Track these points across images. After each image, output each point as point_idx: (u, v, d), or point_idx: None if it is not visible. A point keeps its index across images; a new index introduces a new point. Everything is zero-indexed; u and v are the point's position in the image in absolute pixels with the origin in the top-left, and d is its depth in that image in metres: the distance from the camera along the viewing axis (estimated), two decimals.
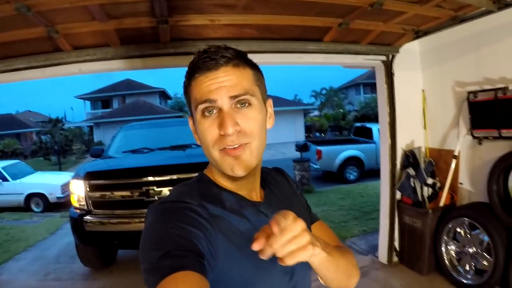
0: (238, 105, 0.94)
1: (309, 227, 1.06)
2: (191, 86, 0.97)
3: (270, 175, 1.22)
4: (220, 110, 0.93)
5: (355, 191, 10.10)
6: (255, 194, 1.07)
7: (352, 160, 13.03)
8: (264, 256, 0.74)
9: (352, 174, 12.97)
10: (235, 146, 0.93)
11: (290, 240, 0.74)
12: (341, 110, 34.92)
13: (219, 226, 0.90)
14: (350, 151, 13.10)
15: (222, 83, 0.93)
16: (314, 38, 3.51)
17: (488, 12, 2.97)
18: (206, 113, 0.94)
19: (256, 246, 0.74)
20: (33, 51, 3.09)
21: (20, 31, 2.68)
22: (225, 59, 0.94)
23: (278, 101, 28.99)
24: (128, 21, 2.70)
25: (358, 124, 16.87)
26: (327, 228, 1.31)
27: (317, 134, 32.92)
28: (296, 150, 12.40)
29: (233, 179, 1.00)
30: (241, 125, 0.93)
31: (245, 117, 0.94)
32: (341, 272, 1.03)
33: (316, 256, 0.83)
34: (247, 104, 0.95)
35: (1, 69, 3.15)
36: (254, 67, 1.02)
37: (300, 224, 0.76)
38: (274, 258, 0.88)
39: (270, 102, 1.07)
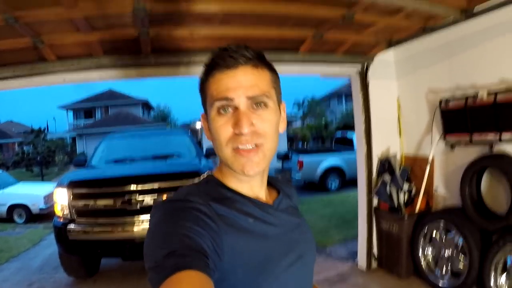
0: (254, 106, 0.94)
1: (314, 245, 1.16)
2: (208, 82, 0.97)
3: (285, 185, 1.22)
4: (236, 109, 0.93)
5: (337, 200, 10.22)
6: (263, 195, 1.07)
7: (333, 170, 13.05)
8: None
9: (333, 183, 12.98)
10: (249, 148, 0.94)
11: None
12: (323, 120, 35.15)
13: (225, 225, 0.90)
14: (331, 160, 13.11)
15: (241, 82, 0.93)
16: (291, 49, 3.61)
17: (457, 22, 3.08)
18: (222, 111, 0.94)
19: None
20: (19, 61, 3.16)
21: (7, 41, 2.75)
22: (245, 59, 0.94)
23: None
24: (110, 33, 2.78)
25: (339, 134, 17.02)
26: None
27: (300, 143, 33.07)
28: (278, 160, 12.43)
29: (242, 178, 1.01)
30: (256, 126, 0.93)
31: (260, 118, 0.94)
32: None
33: None
34: (263, 105, 0.95)
35: None
36: (272, 69, 1.02)
37: None
38: (280, 258, 0.96)
39: (283, 105, 1.08)
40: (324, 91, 41.98)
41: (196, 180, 1.12)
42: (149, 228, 0.87)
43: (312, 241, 1.15)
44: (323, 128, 33.53)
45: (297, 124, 37.67)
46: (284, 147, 29.91)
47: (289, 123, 35.24)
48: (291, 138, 33.30)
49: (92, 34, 2.73)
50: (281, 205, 1.09)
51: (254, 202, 1.01)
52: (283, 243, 1.00)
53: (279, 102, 1.03)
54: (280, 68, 3.14)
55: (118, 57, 3.28)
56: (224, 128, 0.94)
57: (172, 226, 0.82)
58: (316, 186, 13.01)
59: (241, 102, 0.92)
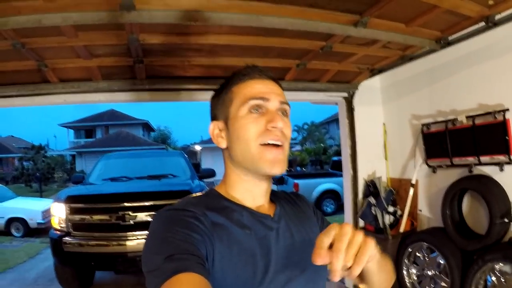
0: (280, 112, 1.04)
1: None
2: (238, 87, 1.05)
3: (285, 195, 1.24)
4: (267, 111, 1.02)
5: (331, 223, 10.22)
6: (263, 208, 1.09)
7: (329, 193, 13.19)
8: (336, 276, 0.68)
9: (329, 207, 13.09)
10: (279, 144, 1.00)
11: (349, 245, 0.71)
12: (322, 145, 35.03)
13: (219, 234, 0.92)
14: (327, 184, 13.28)
15: (272, 89, 1.05)
16: (276, 77, 3.75)
17: (433, 51, 3.18)
18: (254, 110, 1.01)
19: (319, 260, 0.69)
20: (23, 81, 3.35)
21: (13, 63, 2.95)
22: (271, 76, 1.09)
23: None
24: (108, 60, 3.00)
25: (335, 158, 17.11)
26: None
27: (298, 168, 33.03)
28: (273, 183, 12.51)
29: (250, 187, 1.06)
30: (283, 128, 1.02)
31: (285, 123, 1.02)
32: (386, 274, 1.05)
33: (374, 258, 0.81)
34: (286, 113, 1.06)
35: None
36: None
37: (348, 226, 0.73)
38: (277, 273, 0.95)
39: None
40: (323, 116, 41.91)
41: None
42: (148, 234, 0.91)
43: None
44: (322, 152, 33.56)
45: (296, 148, 37.72)
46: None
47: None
48: (290, 162, 33.28)
49: (92, 60, 2.94)
50: (282, 217, 1.09)
51: (253, 213, 1.03)
52: (282, 257, 0.99)
53: None
54: None
55: (115, 82, 3.49)
56: (255, 124, 1.00)
57: (169, 233, 0.84)
58: None
59: (275, 104, 1.03)
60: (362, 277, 0.91)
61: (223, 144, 1.08)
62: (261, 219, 1.03)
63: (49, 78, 3.32)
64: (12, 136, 49.66)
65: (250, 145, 1.00)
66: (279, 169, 1.00)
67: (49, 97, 3.57)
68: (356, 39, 2.82)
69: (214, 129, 1.11)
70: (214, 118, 1.12)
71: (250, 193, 1.07)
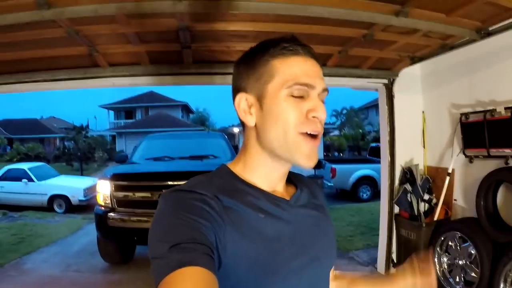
0: (321, 99, 0.94)
1: (334, 249, 1.10)
2: (282, 63, 0.92)
3: (306, 180, 1.17)
4: (308, 96, 0.91)
5: (366, 209, 10.21)
6: (280, 188, 1.03)
7: (366, 179, 13.02)
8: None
9: (365, 193, 12.94)
10: (316, 135, 0.92)
11: None
12: (360, 130, 34.52)
13: (231, 219, 0.86)
14: (364, 170, 13.10)
15: (318, 73, 0.93)
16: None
17: (474, 41, 3.18)
18: (296, 94, 0.90)
19: None
20: (74, 65, 3.58)
21: (65, 49, 3.16)
22: (313, 53, 0.95)
23: None
24: (157, 45, 3.17)
25: (374, 144, 16.89)
26: None
27: (336, 153, 32.75)
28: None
29: (270, 171, 0.99)
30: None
31: (324, 111, 0.93)
32: None
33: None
34: (323, 100, 0.95)
35: (45, 78, 3.66)
36: None
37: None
38: (291, 259, 0.91)
39: None
40: (362, 101, 41.15)
41: None
42: (154, 217, 0.85)
43: (333, 244, 1.09)
44: (360, 138, 33.18)
45: (334, 133, 37.43)
46: (320, 154, 29.80)
47: (326, 131, 35.06)
48: (328, 147, 33.07)
49: (141, 46, 3.12)
50: (299, 202, 1.03)
51: (268, 196, 0.96)
52: (297, 243, 0.94)
53: None
54: None
55: (162, 66, 3.66)
56: (296, 110, 0.90)
57: (176, 218, 0.80)
58: (348, 194, 13.01)
59: (318, 92, 0.92)
60: None
61: (251, 121, 0.96)
62: (277, 202, 0.96)
63: (99, 63, 3.53)
64: (54, 117, 51.36)
65: (288, 133, 0.90)
66: (314, 163, 0.93)
67: (98, 80, 3.78)
68: (398, 28, 2.87)
69: (241, 102, 0.97)
70: (241, 89, 0.98)
71: (269, 176, 0.99)
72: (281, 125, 0.91)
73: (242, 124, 1.00)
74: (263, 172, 0.98)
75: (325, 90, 0.93)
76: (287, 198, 1.01)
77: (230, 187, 0.93)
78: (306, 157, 0.91)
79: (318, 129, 0.91)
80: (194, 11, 2.25)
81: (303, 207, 1.03)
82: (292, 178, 1.10)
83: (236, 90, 0.99)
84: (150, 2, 2.19)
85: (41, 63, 3.44)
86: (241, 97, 0.97)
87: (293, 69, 0.90)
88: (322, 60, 3.70)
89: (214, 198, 0.87)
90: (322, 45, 3.37)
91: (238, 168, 1.00)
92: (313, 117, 0.90)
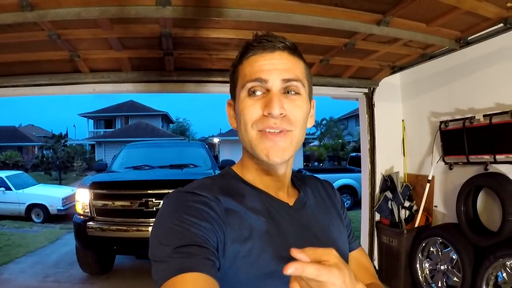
0: (287, 91, 0.91)
1: (346, 254, 1.05)
2: (242, 65, 0.94)
3: (315, 182, 1.16)
4: (267, 91, 0.90)
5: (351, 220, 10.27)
6: (282, 194, 1.01)
7: (346, 188, 13.08)
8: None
9: (345, 202, 12.84)
10: (277, 131, 0.89)
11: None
12: (340, 141, 34.69)
13: (232, 221, 0.86)
14: (344, 179, 13.19)
15: (276, 65, 0.90)
16: None
17: (453, 50, 3.23)
18: (252, 93, 0.91)
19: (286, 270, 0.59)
20: (55, 70, 3.51)
21: (47, 53, 3.10)
22: (283, 44, 0.93)
23: None
24: (139, 52, 3.14)
25: (353, 154, 17.06)
26: (365, 257, 1.21)
27: (316, 163, 32.87)
28: None
29: (263, 171, 0.98)
30: (287, 111, 0.89)
31: (292, 103, 0.90)
32: None
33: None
34: (295, 92, 0.92)
35: (25, 83, 3.58)
36: (306, 62, 1.00)
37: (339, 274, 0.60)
38: (287, 261, 0.79)
39: (314, 102, 1.04)
40: (342, 112, 41.52)
41: None
42: (156, 219, 0.85)
43: (342, 243, 1.06)
44: (340, 148, 33.35)
45: (314, 143, 37.59)
46: (299, 164, 29.86)
47: (306, 141, 35.18)
48: (308, 157, 33.19)
49: (123, 52, 3.08)
50: (304, 206, 1.02)
51: (270, 199, 0.96)
52: (298, 247, 0.75)
53: (310, 96, 1.00)
54: None
55: (144, 73, 3.63)
56: (252, 108, 0.90)
57: (177, 221, 0.79)
58: None
59: (275, 84, 0.89)
60: None
61: (233, 124, 1.01)
62: (279, 207, 0.96)
63: (80, 68, 3.47)
64: (32, 125, 50.30)
65: (248, 132, 0.91)
66: (279, 158, 0.90)
67: (79, 87, 3.73)
68: (379, 37, 2.91)
69: (228, 109, 1.04)
70: (231, 96, 1.04)
71: (266, 177, 0.99)
72: (242, 125, 0.93)
73: None
74: (257, 171, 0.99)
75: (290, 80, 0.91)
76: (291, 203, 1.00)
77: (233, 189, 0.95)
78: (265, 155, 0.90)
79: (277, 125, 0.89)
80: (178, 16, 2.24)
81: (309, 210, 1.03)
82: (296, 181, 1.10)
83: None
84: (134, 6, 2.17)
85: (22, 67, 3.37)
86: (228, 103, 1.04)
87: (248, 68, 0.92)
88: None
89: (216, 199, 0.87)
90: (305, 54, 3.31)
91: (241, 170, 1.02)
92: (268, 113, 0.88)
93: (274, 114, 0.87)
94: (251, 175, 1.00)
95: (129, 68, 3.51)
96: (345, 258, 1.04)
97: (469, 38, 3.03)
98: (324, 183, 1.20)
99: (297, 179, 1.11)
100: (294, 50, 0.96)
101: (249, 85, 0.91)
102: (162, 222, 0.83)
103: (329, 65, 3.63)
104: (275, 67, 0.90)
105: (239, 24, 2.59)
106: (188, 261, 0.71)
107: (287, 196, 1.02)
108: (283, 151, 0.90)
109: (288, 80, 0.90)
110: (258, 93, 0.91)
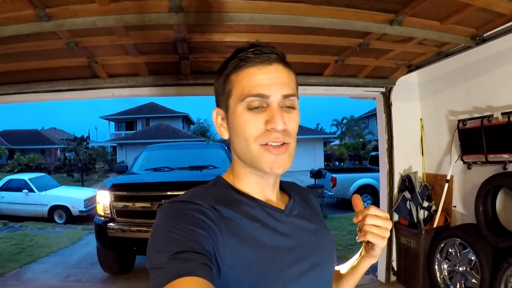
0: (285, 106, 0.92)
1: (333, 254, 1.10)
2: (237, 76, 0.93)
3: (298, 188, 1.19)
4: (267, 106, 0.91)
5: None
6: (274, 199, 1.03)
7: (367, 188, 12.96)
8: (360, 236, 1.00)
9: (366, 202, 12.62)
10: (279, 144, 0.91)
11: (380, 226, 0.98)
12: (361, 140, 34.59)
13: (228, 229, 0.86)
14: (364, 179, 13.06)
15: (273, 79, 0.91)
16: (315, 73, 3.92)
17: (469, 47, 3.20)
18: (252, 106, 0.91)
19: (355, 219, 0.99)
20: (74, 76, 3.62)
21: (65, 60, 3.20)
22: (277, 56, 0.93)
23: (299, 130, 28.85)
24: (155, 57, 3.21)
25: (374, 153, 16.86)
26: None
27: (337, 163, 32.65)
28: (311, 177, 12.50)
29: (256, 179, 0.99)
30: (287, 125, 0.91)
31: (289, 117, 0.93)
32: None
33: (375, 258, 1.08)
34: (291, 107, 0.94)
35: (46, 89, 3.70)
36: (294, 73, 0.99)
37: (391, 223, 1.00)
38: (290, 267, 0.90)
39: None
40: (363, 110, 41.17)
41: None
42: (152, 229, 0.85)
43: (332, 248, 1.09)
44: (360, 147, 33.15)
45: (335, 142, 37.39)
46: (320, 164, 29.74)
47: (326, 141, 35.08)
48: (328, 156, 33.04)
49: (140, 57, 3.16)
50: (294, 211, 1.04)
51: (263, 205, 0.97)
52: (294, 250, 0.94)
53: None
54: (306, 90, 3.53)
55: (161, 77, 3.71)
56: (254, 123, 0.91)
57: (174, 228, 0.80)
58: (348, 203, 12.70)
59: (275, 100, 0.90)
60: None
61: (225, 135, 1.01)
62: (272, 212, 0.97)
63: (98, 74, 3.57)
64: (55, 128, 51.34)
65: (250, 146, 0.92)
66: (281, 169, 0.94)
67: (98, 91, 3.84)
68: (392, 36, 2.90)
69: (217, 117, 1.02)
70: (217, 104, 1.03)
71: (258, 184, 1.00)
72: (242, 139, 0.93)
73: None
74: (250, 181, 1.00)
75: (288, 96, 0.92)
76: (282, 207, 1.01)
77: (226, 197, 0.95)
78: (270, 165, 0.92)
79: (280, 139, 0.91)
80: (191, 22, 2.28)
81: (298, 216, 1.03)
82: (284, 187, 1.12)
83: (215, 105, 1.03)
84: (147, 14, 2.22)
85: (42, 74, 3.48)
86: (217, 113, 1.02)
87: (245, 81, 0.91)
88: (319, 70, 3.78)
89: (211, 208, 0.88)
90: (319, 55, 3.41)
91: (231, 179, 1.03)
92: (272, 128, 0.90)
93: (277, 129, 0.89)
94: (243, 184, 1.00)
95: (146, 72, 3.59)
96: (335, 256, 1.10)
97: (484, 35, 3.00)
98: (306, 191, 1.22)
99: (285, 185, 1.13)
100: (285, 61, 0.97)
101: (249, 99, 0.90)
102: (158, 232, 0.82)
103: (344, 65, 3.64)
104: (273, 82, 0.91)
105: (252, 28, 2.63)
106: (186, 266, 0.71)
107: (278, 201, 1.04)
108: (284, 163, 0.93)
109: (287, 96, 0.92)
110: (258, 108, 0.91)
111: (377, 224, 0.98)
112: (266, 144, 0.91)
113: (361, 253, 1.12)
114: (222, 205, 0.90)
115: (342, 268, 1.20)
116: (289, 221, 0.99)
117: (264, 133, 0.90)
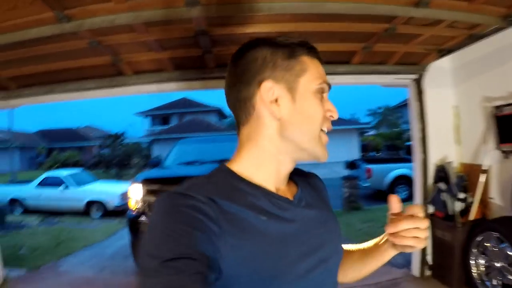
0: None
1: (340, 247, 1.09)
2: (312, 61, 0.94)
3: (309, 177, 1.15)
4: (323, 97, 0.96)
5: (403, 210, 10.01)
6: (283, 188, 0.98)
7: (403, 179, 12.69)
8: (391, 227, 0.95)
9: (402, 193, 12.48)
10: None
11: (415, 230, 0.92)
12: (397, 129, 34.09)
13: (230, 225, 0.81)
14: (400, 169, 12.79)
15: None
16: (343, 61, 3.83)
17: (501, 29, 3.07)
18: (321, 92, 0.94)
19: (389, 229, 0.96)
20: (100, 75, 3.67)
21: (90, 59, 3.26)
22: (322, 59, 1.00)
23: (334, 120, 28.60)
24: (179, 51, 3.22)
25: (410, 143, 16.52)
26: None
27: (372, 153, 32.23)
28: (345, 168, 12.35)
29: (277, 169, 0.96)
30: None
31: None
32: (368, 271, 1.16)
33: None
34: None
35: (73, 89, 3.78)
36: None
37: (426, 222, 0.93)
38: (298, 263, 0.87)
39: None
40: (398, 99, 40.40)
41: None
42: (148, 225, 0.81)
43: (339, 240, 1.06)
44: (396, 137, 32.57)
45: (371, 133, 36.87)
46: (356, 154, 29.39)
47: (362, 131, 34.63)
48: (365, 147, 32.63)
49: (163, 52, 3.17)
50: (302, 201, 0.99)
51: (270, 195, 0.92)
52: (303, 245, 0.90)
53: None
54: (335, 80, 3.44)
55: (186, 72, 3.72)
56: (322, 108, 0.93)
57: (168, 230, 0.75)
58: (384, 194, 12.61)
59: (328, 93, 0.98)
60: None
61: (277, 113, 0.91)
62: (279, 203, 0.92)
63: (123, 71, 3.62)
64: (90, 126, 52.69)
65: (316, 129, 0.92)
66: (327, 157, 0.97)
67: (124, 88, 3.88)
68: (420, 20, 2.80)
69: (269, 92, 0.91)
70: (265, 77, 0.91)
71: (277, 174, 0.96)
72: (311, 120, 0.92)
73: (246, 116, 0.95)
74: (273, 168, 0.95)
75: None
76: (290, 197, 0.97)
77: (229, 188, 0.89)
78: (325, 151, 0.96)
79: (331, 128, 0.97)
80: (208, 15, 2.26)
81: (307, 206, 0.99)
82: (294, 177, 1.06)
83: (256, 78, 0.92)
84: (164, 9, 2.22)
85: (69, 74, 3.56)
86: (270, 87, 0.91)
87: (319, 69, 0.95)
88: (346, 58, 3.73)
89: (210, 201, 0.82)
90: (344, 43, 3.33)
91: (240, 166, 0.95)
92: (331, 116, 0.97)
93: (335, 119, 0.98)
94: (260, 172, 0.94)
95: (171, 67, 3.60)
96: (341, 248, 1.09)
97: None
98: (312, 175, 1.18)
99: (294, 174, 1.06)
100: None
101: (323, 86, 0.94)
102: (152, 230, 0.78)
103: (372, 52, 3.54)
104: None
105: (272, 18, 2.58)
106: (176, 279, 0.67)
107: (286, 190, 0.99)
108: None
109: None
110: (322, 95, 0.95)
111: (416, 227, 0.94)
112: (323, 130, 0.96)
113: (386, 241, 1.06)
114: (223, 197, 0.85)
115: (358, 251, 1.17)
116: (298, 212, 0.94)
117: (325, 119, 0.95)
